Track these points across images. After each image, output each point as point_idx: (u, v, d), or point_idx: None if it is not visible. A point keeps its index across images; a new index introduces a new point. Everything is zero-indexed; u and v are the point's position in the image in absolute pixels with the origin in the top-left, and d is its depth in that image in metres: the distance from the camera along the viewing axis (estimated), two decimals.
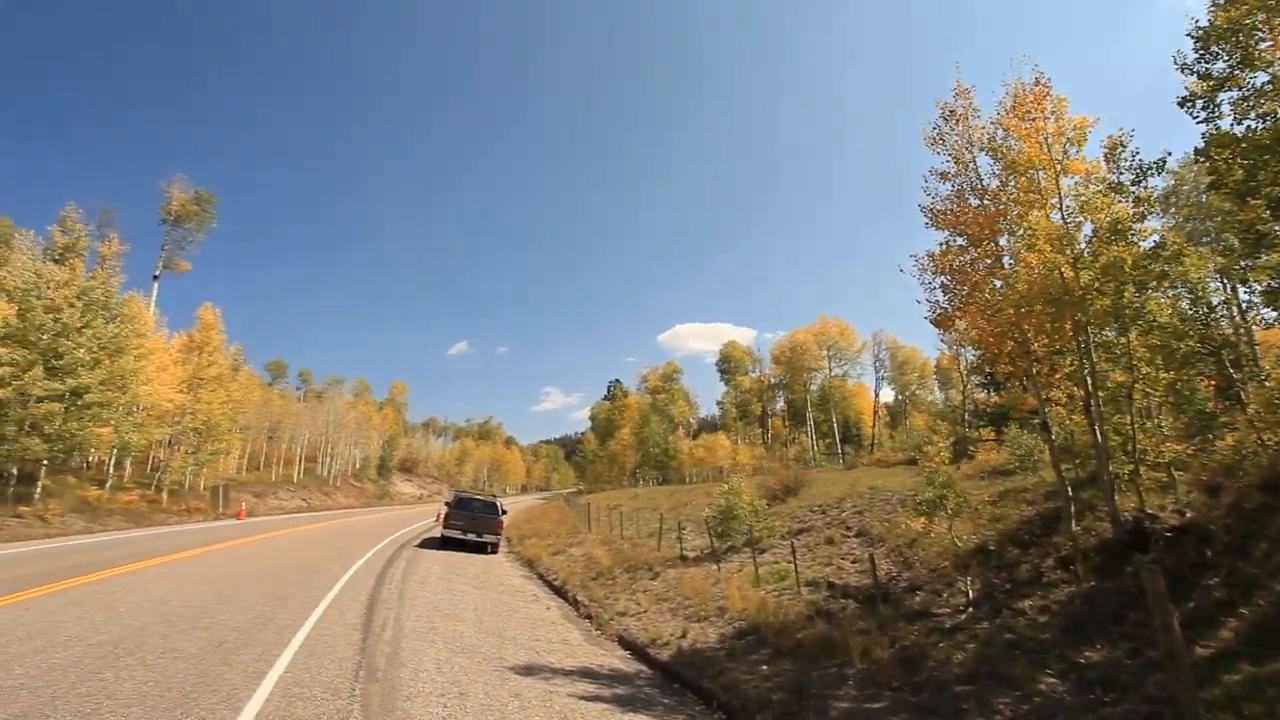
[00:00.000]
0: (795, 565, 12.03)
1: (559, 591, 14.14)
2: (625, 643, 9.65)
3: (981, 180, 12.38)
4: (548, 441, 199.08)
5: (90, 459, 31.96)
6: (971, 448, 25.14)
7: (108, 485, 27.91)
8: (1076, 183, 11.36)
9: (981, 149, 12.34)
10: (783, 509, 19.55)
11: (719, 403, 79.29)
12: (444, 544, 21.28)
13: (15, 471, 21.18)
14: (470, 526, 20.86)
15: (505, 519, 22.41)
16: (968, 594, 9.96)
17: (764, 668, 7.80)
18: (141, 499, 27.86)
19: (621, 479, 70.00)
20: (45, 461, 21.86)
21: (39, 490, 21.60)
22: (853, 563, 13.48)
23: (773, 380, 72.32)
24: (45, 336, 21.58)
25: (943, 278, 12.67)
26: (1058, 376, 12.06)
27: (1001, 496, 14.49)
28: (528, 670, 7.37)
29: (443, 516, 22.49)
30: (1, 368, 19.71)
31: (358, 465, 74.50)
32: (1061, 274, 11.00)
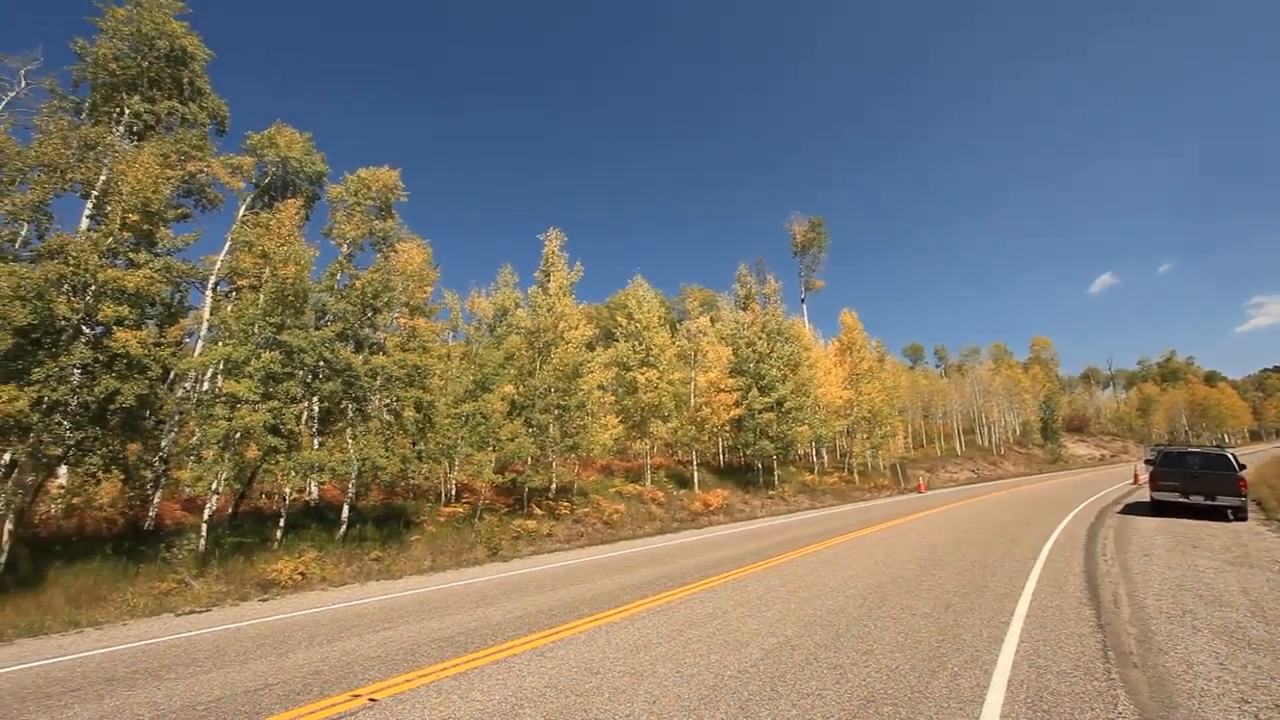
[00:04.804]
0: None
1: None
2: None
3: None
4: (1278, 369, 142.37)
5: (800, 451, 40.73)
6: None
7: (816, 471, 34.86)
8: None
9: None
10: None
11: None
12: (1155, 509, 17.74)
13: (760, 465, 28.98)
14: (1191, 487, 16.80)
15: (1245, 475, 16.90)
16: None
17: None
18: (840, 479, 33.71)
19: None
20: (774, 456, 29.06)
21: (776, 478, 28.92)
22: None
23: None
24: (751, 365, 29.10)
25: None
26: None
27: None
28: None
29: (1147, 478, 19.04)
30: (735, 392, 27.51)
31: (1017, 431, 70.24)
32: None
